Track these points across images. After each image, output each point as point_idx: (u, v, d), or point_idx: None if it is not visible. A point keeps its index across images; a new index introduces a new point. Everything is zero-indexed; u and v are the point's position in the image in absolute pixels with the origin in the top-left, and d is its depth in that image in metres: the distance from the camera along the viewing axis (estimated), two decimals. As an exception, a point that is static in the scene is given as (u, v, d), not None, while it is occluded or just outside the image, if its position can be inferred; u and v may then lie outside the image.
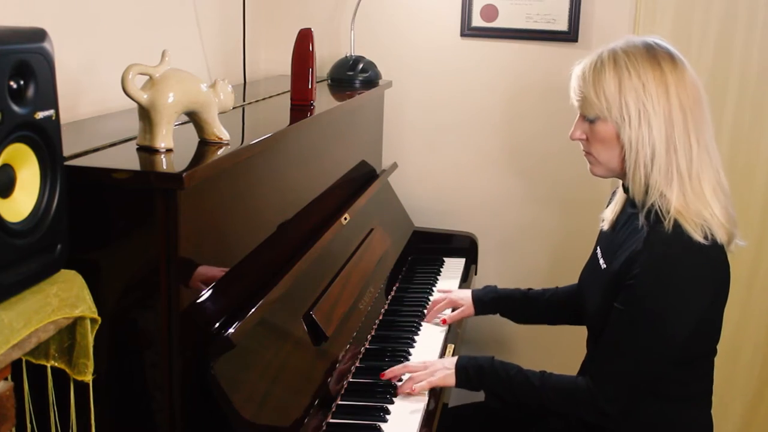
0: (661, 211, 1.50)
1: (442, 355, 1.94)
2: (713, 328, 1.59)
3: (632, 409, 1.56)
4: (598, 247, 1.74)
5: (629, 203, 1.64)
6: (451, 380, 1.68)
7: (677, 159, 1.50)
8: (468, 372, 1.66)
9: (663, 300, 1.48)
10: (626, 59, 1.52)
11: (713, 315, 1.57)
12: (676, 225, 1.49)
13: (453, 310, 2.11)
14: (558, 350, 2.74)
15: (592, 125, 1.57)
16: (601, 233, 1.77)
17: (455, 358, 1.70)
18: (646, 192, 1.53)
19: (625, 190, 1.63)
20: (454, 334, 2.07)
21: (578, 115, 1.62)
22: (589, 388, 1.55)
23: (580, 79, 1.58)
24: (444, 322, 2.07)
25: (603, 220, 1.76)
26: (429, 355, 1.91)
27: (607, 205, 1.78)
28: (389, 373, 1.72)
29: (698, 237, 1.47)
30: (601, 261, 1.67)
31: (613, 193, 1.78)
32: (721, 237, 1.50)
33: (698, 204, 1.50)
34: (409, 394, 1.68)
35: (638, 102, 1.50)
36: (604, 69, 1.53)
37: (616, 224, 1.70)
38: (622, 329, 1.52)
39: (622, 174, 1.59)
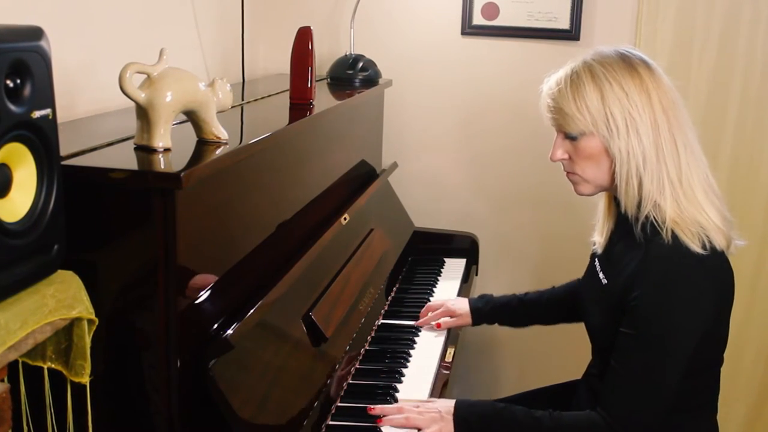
0: (657, 222, 1.48)
1: (443, 357, 1.92)
2: (720, 337, 1.56)
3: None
4: (596, 259, 1.69)
5: (622, 218, 1.59)
6: None
7: (666, 165, 1.47)
8: (469, 423, 1.53)
9: (668, 319, 1.45)
10: (603, 70, 1.49)
11: (719, 325, 1.54)
12: (674, 237, 1.45)
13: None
14: (561, 350, 2.74)
15: (576, 143, 1.53)
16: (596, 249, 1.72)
17: (452, 405, 1.56)
18: (639, 204, 1.50)
19: (617, 204, 1.59)
20: (455, 336, 2.05)
21: (557, 135, 1.57)
22: (608, 424, 1.48)
23: (555, 95, 1.52)
24: (438, 326, 2.03)
25: (594, 244, 1.70)
26: (429, 357, 1.90)
27: (595, 229, 1.72)
28: (379, 410, 1.59)
29: (696, 247, 1.44)
30: (601, 275, 1.63)
31: (597, 218, 1.72)
32: (719, 243, 1.47)
33: (692, 210, 1.47)
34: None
35: (624, 111, 1.47)
36: (582, 82, 1.49)
37: (611, 241, 1.65)
38: (632, 355, 1.47)
39: (612, 188, 1.56)
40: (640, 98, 1.47)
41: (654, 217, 1.48)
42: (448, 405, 1.57)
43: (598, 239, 1.69)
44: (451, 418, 1.54)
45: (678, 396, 1.52)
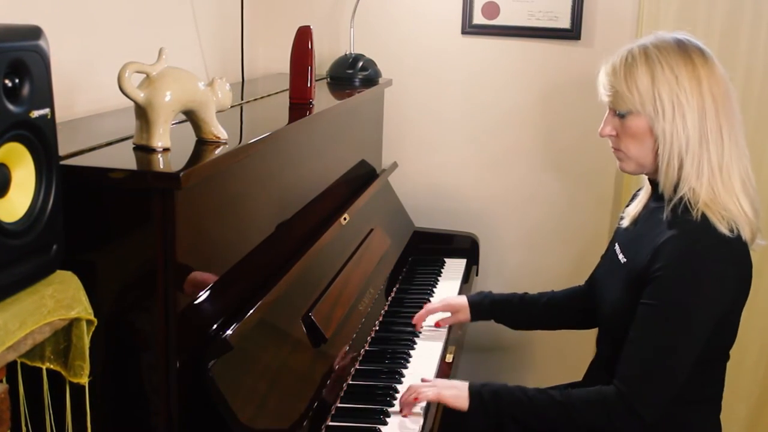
0: (689, 203, 1.51)
1: (443, 358, 1.92)
2: (732, 327, 1.58)
3: (665, 413, 1.51)
4: (616, 243, 1.72)
5: (653, 198, 1.64)
6: (463, 403, 1.58)
7: (709, 152, 1.51)
8: (483, 397, 1.57)
9: (690, 293, 1.47)
10: (658, 53, 1.53)
11: (734, 313, 1.56)
12: (703, 216, 1.49)
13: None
14: (561, 353, 2.74)
15: (623, 120, 1.57)
16: (618, 230, 1.75)
17: (466, 382, 1.61)
18: (676, 187, 1.53)
19: (653, 184, 1.63)
20: (456, 336, 2.05)
21: (607, 111, 1.62)
22: (621, 394, 1.49)
23: (610, 74, 1.58)
24: (438, 325, 2.03)
25: (623, 218, 1.74)
26: (429, 357, 1.89)
27: (629, 204, 1.76)
28: (402, 403, 1.61)
29: (724, 229, 1.48)
30: (621, 256, 1.66)
31: (636, 193, 1.76)
32: (746, 233, 1.51)
33: (726, 198, 1.50)
34: (414, 403, 1.60)
35: (672, 95, 1.51)
36: (636, 63, 1.54)
37: (637, 220, 1.68)
38: (649, 325, 1.50)
39: (653, 169, 1.59)
40: (690, 84, 1.51)
41: (688, 199, 1.51)
42: (461, 381, 1.62)
43: (631, 212, 1.71)
44: (465, 390, 1.59)
45: (687, 386, 1.53)
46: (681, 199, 1.52)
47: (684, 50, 1.53)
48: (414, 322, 2.03)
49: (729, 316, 1.53)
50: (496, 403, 1.56)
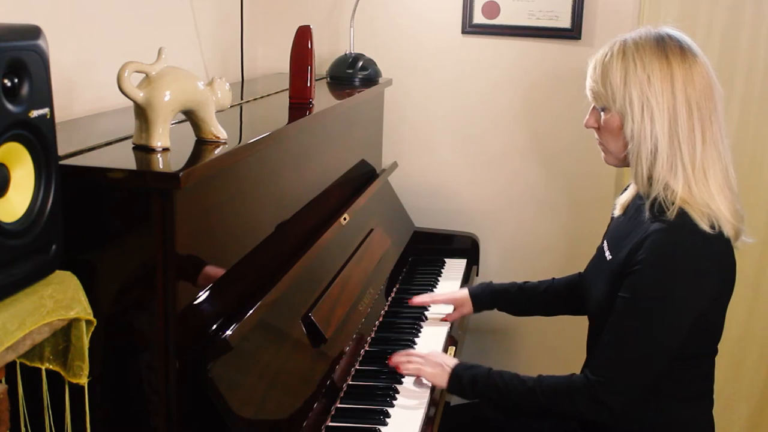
0: (665, 202, 1.51)
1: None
2: (716, 325, 1.58)
3: (633, 406, 1.54)
4: (604, 241, 1.74)
5: (638, 194, 1.65)
6: (443, 382, 1.68)
7: (681, 152, 1.50)
8: (461, 380, 1.66)
9: (667, 287, 1.48)
10: (634, 51, 1.53)
11: (716, 310, 1.56)
12: (683, 213, 1.49)
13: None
14: (561, 346, 2.73)
15: (603, 114, 1.59)
16: (609, 227, 1.77)
17: (456, 361, 1.70)
18: (650, 183, 1.53)
19: None
20: (456, 336, 2.05)
21: (592, 104, 1.63)
22: (588, 380, 1.53)
23: (591, 69, 1.60)
24: (444, 319, 2.08)
25: (615, 206, 1.75)
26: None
27: (622, 193, 1.77)
28: (395, 356, 1.76)
29: (704, 226, 1.47)
30: (607, 253, 1.67)
31: (629, 184, 1.77)
32: (727, 230, 1.50)
33: (704, 196, 1.50)
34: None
35: (642, 95, 1.51)
36: (612, 61, 1.54)
37: (626, 212, 1.70)
38: (624, 317, 1.51)
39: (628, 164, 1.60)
40: (662, 85, 1.50)
41: (663, 198, 1.51)
42: (452, 360, 1.71)
43: (621, 200, 1.73)
44: (450, 369, 1.68)
45: (675, 382, 1.55)
46: (657, 197, 1.52)
47: (662, 48, 1.52)
48: (411, 301, 2.11)
49: (711, 312, 1.54)
50: (473, 386, 1.64)
